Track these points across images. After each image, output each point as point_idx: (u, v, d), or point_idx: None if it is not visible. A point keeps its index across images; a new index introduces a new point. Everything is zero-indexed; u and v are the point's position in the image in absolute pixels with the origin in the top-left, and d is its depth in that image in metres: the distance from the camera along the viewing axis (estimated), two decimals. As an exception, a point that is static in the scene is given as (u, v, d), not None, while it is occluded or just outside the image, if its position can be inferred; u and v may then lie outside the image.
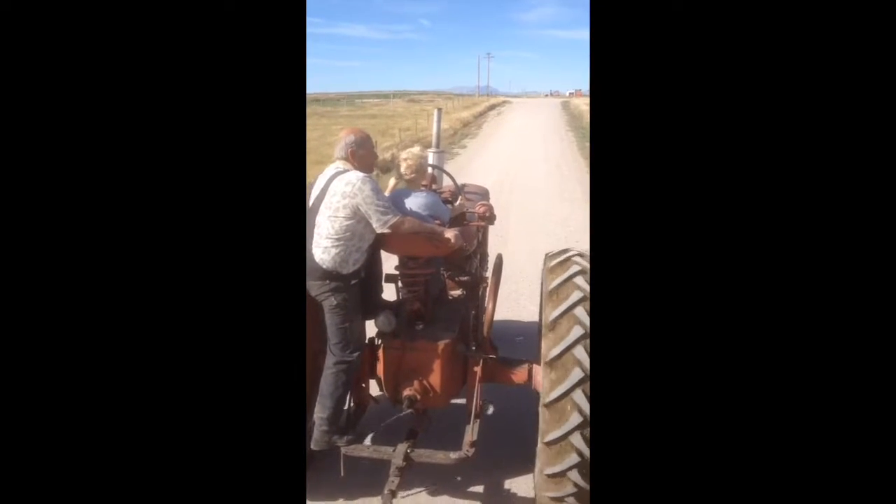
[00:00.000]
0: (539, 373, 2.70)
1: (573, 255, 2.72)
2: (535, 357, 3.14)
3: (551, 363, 2.46)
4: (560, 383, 2.43)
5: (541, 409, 2.51)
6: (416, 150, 3.23)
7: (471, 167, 14.05)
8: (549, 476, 2.49)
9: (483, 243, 3.99)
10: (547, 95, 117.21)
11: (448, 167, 3.89)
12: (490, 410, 3.03)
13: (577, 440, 2.41)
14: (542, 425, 2.50)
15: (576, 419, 2.41)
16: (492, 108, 47.11)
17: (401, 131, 20.41)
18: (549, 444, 2.46)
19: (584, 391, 2.40)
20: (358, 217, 2.75)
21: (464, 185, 3.87)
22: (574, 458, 2.42)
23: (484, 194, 4.15)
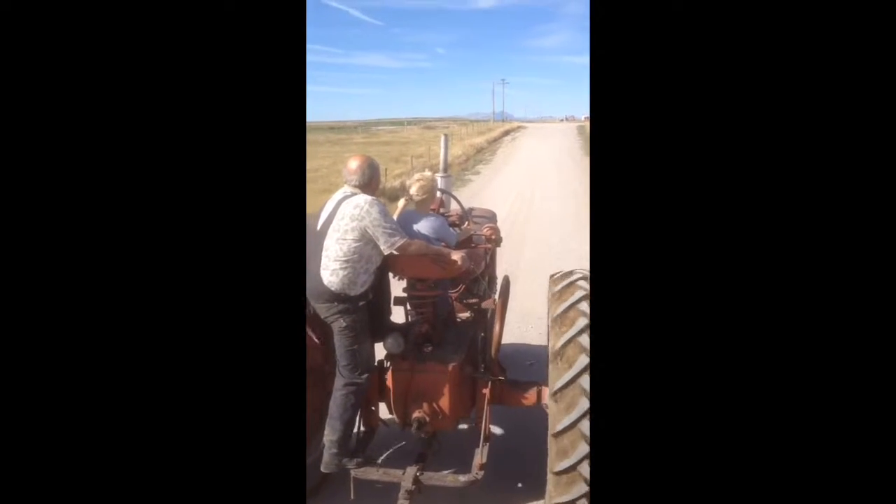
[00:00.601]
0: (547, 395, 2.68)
1: (578, 279, 2.72)
2: (544, 379, 3.12)
3: (557, 394, 2.46)
4: (566, 414, 2.43)
5: (549, 439, 2.51)
6: (427, 173, 3.28)
7: (484, 194, 13.95)
8: None
9: (491, 266, 4.01)
10: (562, 120, 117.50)
11: (461, 194, 3.90)
12: (500, 432, 3.00)
13: (586, 471, 2.39)
14: (550, 455, 2.50)
15: (583, 449, 2.39)
16: (506, 133, 46.97)
17: (413, 158, 20.37)
18: (557, 473, 2.46)
19: (589, 421, 2.39)
20: (366, 239, 2.80)
21: (471, 209, 3.90)
22: (583, 488, 2.41)
23: (491, 217, 4.19)
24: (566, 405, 2.45)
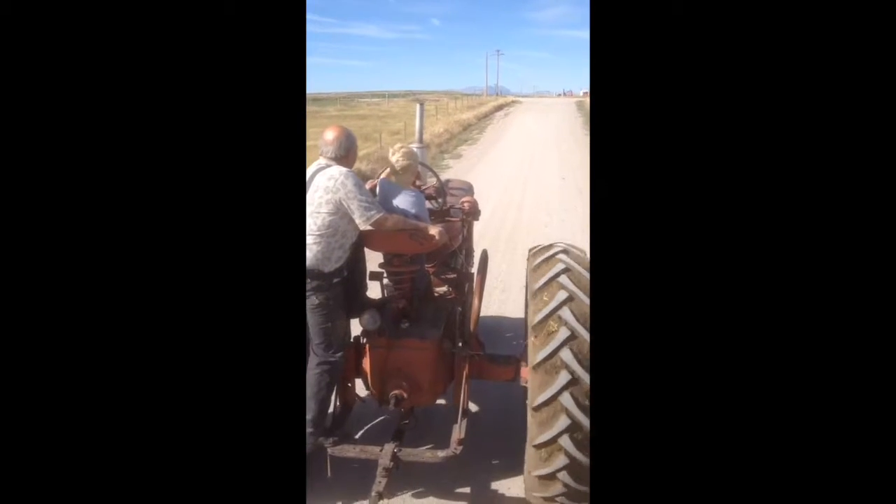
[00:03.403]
0: (526, 370, 2.62)
1: (558, 252, 2.76)
2: (522, 353, 3.06)
3: (538, 366, 2.50)
4: (548, 386, 2.47)
5: (528, 413, 2.58)
6: (408, 146, 3.18)
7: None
8: (539, 478, 2.57)
9: (468, 239, 3.97)
10: (559, 95, 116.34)
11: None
12: (478, 408, 2.96)
13: (566, 442, 2.45)
14: (529, 428, 2.57)
15: (564, 422, 2.45)
16: (499, 108, 43.93)
17: (389, 135, 18.10)
18: (538, 446, 2.52)
19: (571, 394, 2.45)
20: (341, 213, 2.78)
21: (448, 181, 3.81)
22: (563, 460, 2.47)
23: (468, 189, 4.14)
24: (546, 378, 2.48)
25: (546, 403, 2.44)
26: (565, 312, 2.48)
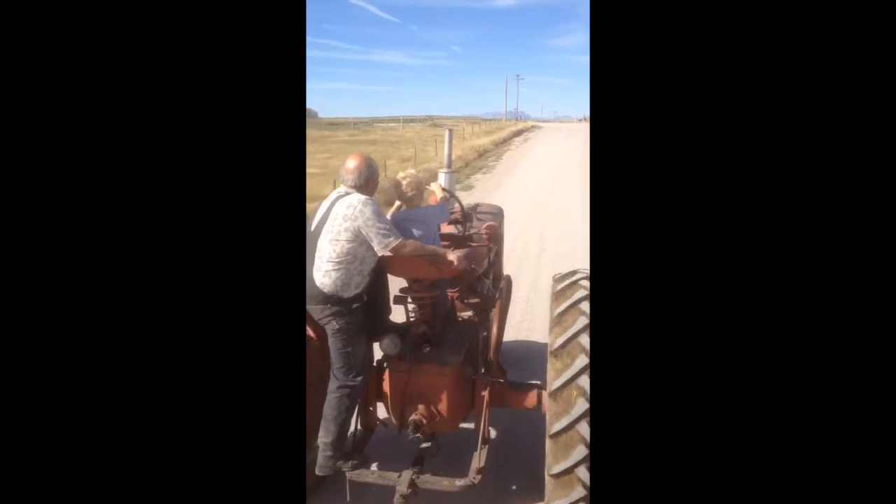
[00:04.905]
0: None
1: (580, 279, 2.80)
2: (545, 381, 3.03)
3: (555, 393, 2.51)
4: (565, 415, 2.47)
5: (547, 441, 2.56)
6: (411, 171, 3.22)
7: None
8: None
9: (496, 264, 3.91)
10: (580, 121, 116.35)
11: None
12: (499, 434, 2.92)
13: (583, 473, 2.44)
14: (548, 457, 2.56)
15: (581, 452, 2.44)
16: (518, 133, 43.08)
17: (398, 161, 17.37)
18: (554, 476, 2.52)
19: (588, 423, 2.43)
20: (359, 240, 2.83)
21: (477, 205, 3.80)
22: (581, 492, 2.45)
23: (497, 213, 4.10)
24: (564, 406, 2.49)
25: (563, 431, 2.44)
26: (585, 339, 2.48)
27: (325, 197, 3.07)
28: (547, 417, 2.55)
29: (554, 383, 2.48)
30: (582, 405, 2.41)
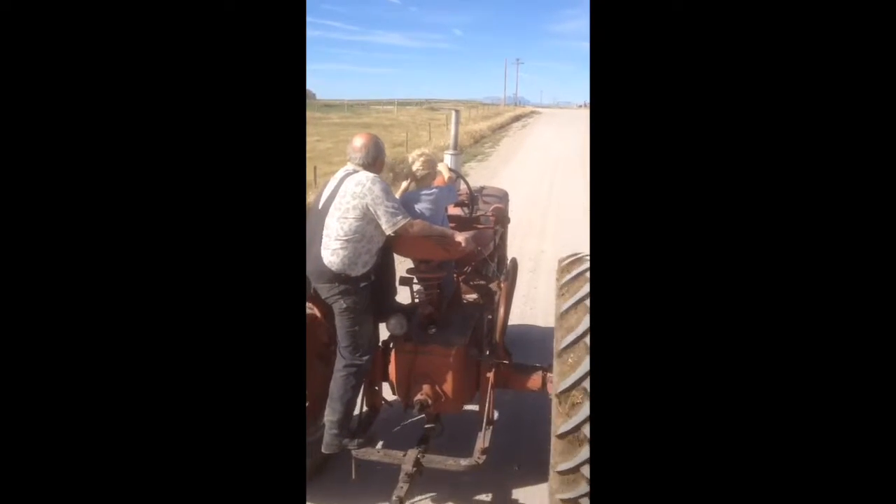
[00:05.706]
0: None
1: (584, 256, 2.83)
2: (550, 363, 3.03)
3: (561, 395, 2.49)
4: (571, 416, 2.43)
5: (552, 439, 2.53)
6: (424, 150, 3.19)
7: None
8: (563, 500, 2.52)
9: (501, 247, 3.90)
10: (580, 106, 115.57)
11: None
12: (503, 415, 2.93)
13: (588, 471, 2.39)
14: (553, 452, 2.51)
15: (584, 454, 2.39)
16: (517, 119, 42.02)
17: (390, 147, 15.18)
18: (560, 473, 2.47)
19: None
20: (367, 218, 2.82)
21: (482, 188, 3.78)
22: (585, 488, 2.43)
23: (503, 197, 4.08)
24: (569, 407, 2.47)
25: (569, 433, 2.42)
26: (590, 340, 2.43)
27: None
28: (552, 418, 2.54)
29: (560, 385, 2.46)
30: (587, 408, 2.36)
